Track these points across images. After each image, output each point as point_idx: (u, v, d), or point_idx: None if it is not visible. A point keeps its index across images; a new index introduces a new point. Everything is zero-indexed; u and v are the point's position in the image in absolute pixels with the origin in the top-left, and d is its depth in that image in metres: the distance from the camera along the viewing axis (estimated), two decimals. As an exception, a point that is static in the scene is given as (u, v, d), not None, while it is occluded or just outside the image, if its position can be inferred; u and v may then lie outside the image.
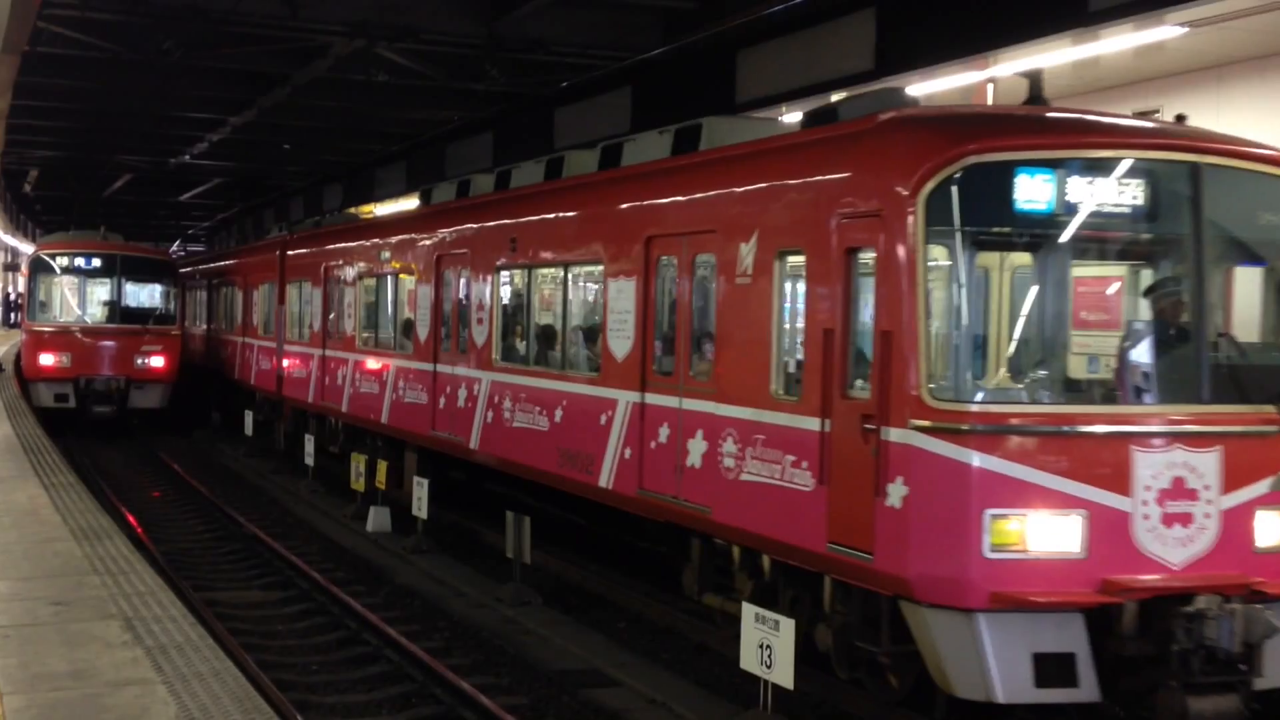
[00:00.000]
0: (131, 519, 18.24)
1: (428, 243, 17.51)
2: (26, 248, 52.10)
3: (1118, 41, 13.60)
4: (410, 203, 30.09)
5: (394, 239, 18.94)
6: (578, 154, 14.72)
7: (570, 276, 14.03)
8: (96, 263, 29.27)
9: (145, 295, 30.06)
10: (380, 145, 33.57)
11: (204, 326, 34.72)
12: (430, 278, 17.06)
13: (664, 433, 11.39)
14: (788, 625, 9.07)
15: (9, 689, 7.41)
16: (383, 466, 18.20)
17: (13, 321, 51.78)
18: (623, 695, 10.82)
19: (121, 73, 23.45)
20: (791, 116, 15.92)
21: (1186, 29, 13.17)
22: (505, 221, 15.26)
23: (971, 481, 8.25)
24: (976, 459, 8.25)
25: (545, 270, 14.69)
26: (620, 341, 12.20)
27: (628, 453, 11.95)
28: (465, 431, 15.64)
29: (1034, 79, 10.44)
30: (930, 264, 8.51)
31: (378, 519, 18.23)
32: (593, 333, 13.49)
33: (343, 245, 21.58)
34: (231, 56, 21.85)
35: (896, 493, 8.50)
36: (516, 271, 15.09)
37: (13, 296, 53.70)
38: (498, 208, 15.74)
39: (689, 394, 11.10)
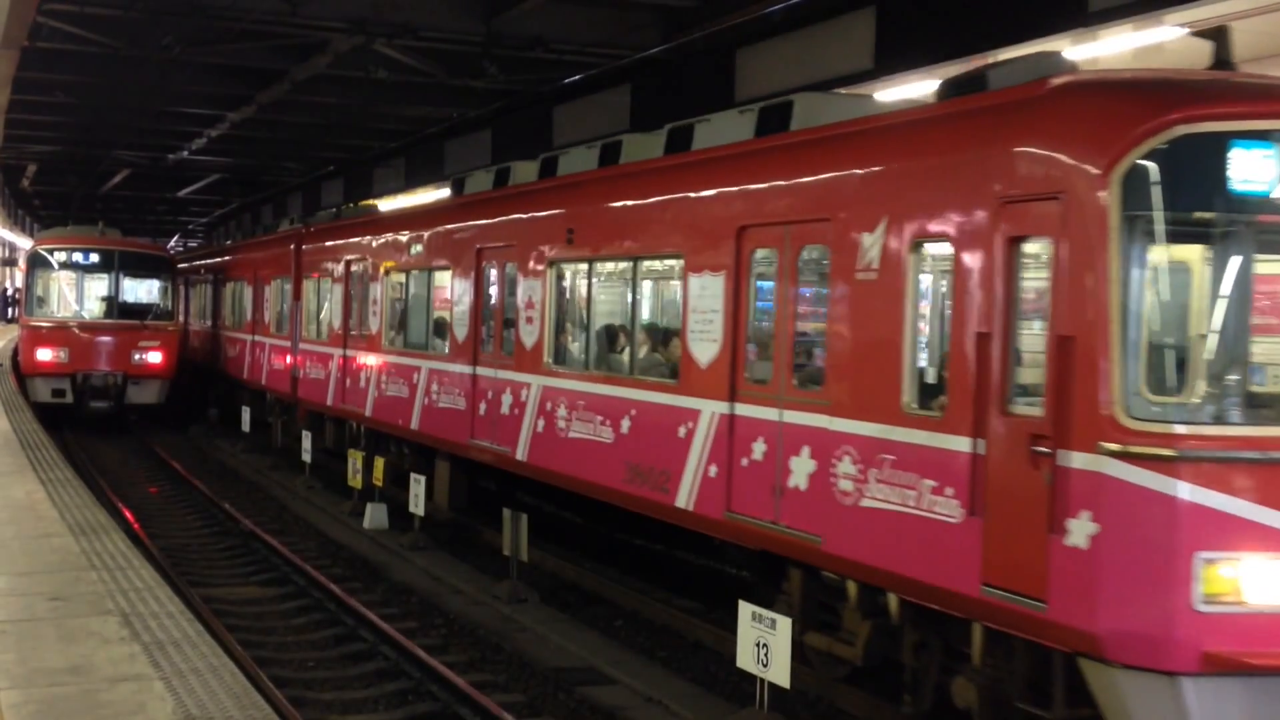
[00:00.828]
0: (129, 515, 18.24)
1: (466, 235, 16.09)
2: (24, 243, 52.03)
3: (1117, 42, 13.61)
4: (423, 196, 29.17)
5: (426, 231, 17.51)
6: (637, 138, 13.53)
7: (640, 271, 12.67)
8: (94, 258, 29.25)
9: (143, 291, 30.02)
10: (379, 142, 33.58)
11: (207, 323, 33.72)
12: (469, 273, 15.74)
13: (759, 449, 10.08)
14: (784, 624, 9.06)
15: (6, 684, 7.41)
16: (379, 463, 18.20)
17: (10, 316, 51.74)
18: (619, 693, 10.82)
19: (120, 68, 23.45)
20: (885, 94, 15.09)
21: (1186, 30, 13.17)
22: (559, 211, 13.78)
23: (1179, 519, 6.96)
24: (1185, 491, 6.97)
25: (610, 265, 13.22)
26: (704, 345, 10.85)
27: (713, 470, 10.66)
28: (510, 441, 14.36)
29: (1220, 38, 8.75)
30: (1127, 255, 7.16)
31: (375, 516, 18.23)
32: (668, 335, 12.50)
33: (366, 238, 19.99)
34: (231, 52, 21.85)
35: (1081, 530, 7.21)
36: (574, 266, 13.66)
37: (10, 292, 53.66)
38: (550, 196, 14.19)
39: (791, 405, 9.79)
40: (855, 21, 16.75)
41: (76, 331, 28.44)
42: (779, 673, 9.08)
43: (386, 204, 28.33)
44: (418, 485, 16.24)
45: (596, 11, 19.26)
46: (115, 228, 32.60)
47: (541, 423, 13.69)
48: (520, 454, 14.17)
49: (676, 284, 11.91)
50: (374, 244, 19.43)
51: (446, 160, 30.66)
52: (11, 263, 52.74)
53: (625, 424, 12.06)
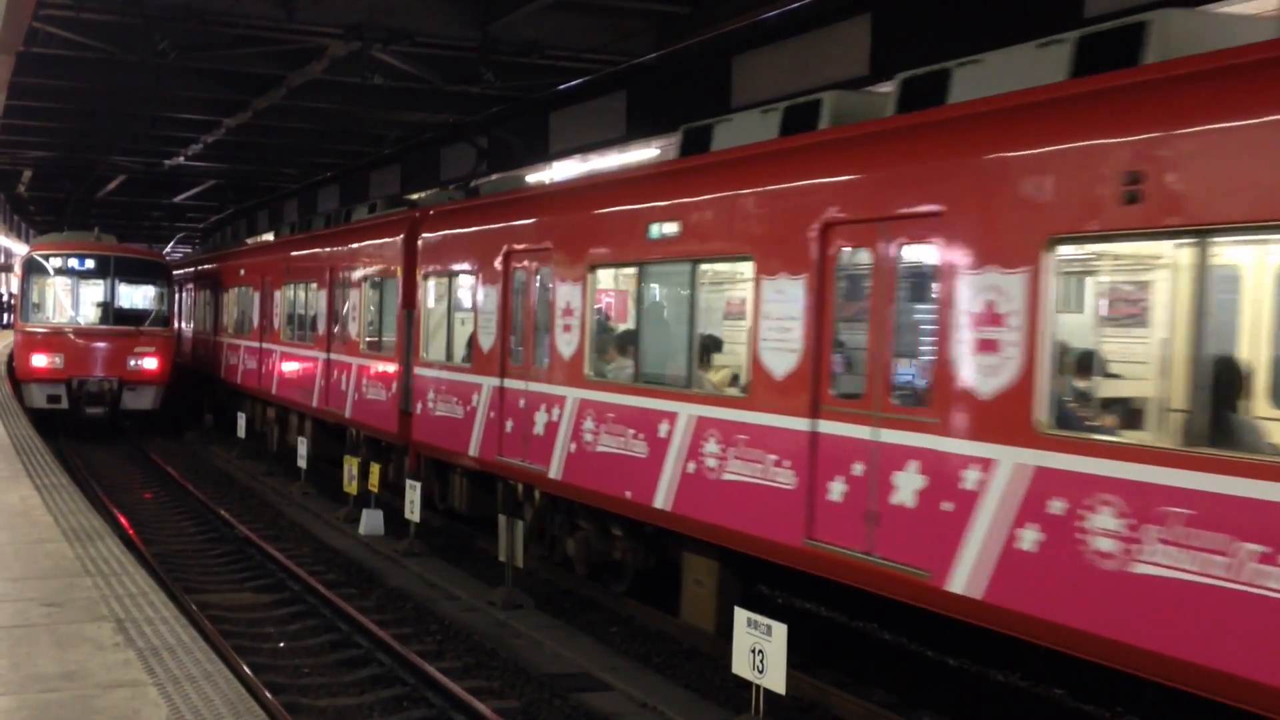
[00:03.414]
0: (124, 520, 18.22)
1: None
2: (20, 248, 52.01)
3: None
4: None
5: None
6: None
7: (699, 275, 11.69)
8: (90, 264, 29.23)
9: (138, 297, 30.01)
10: (374, 148, 33.58)
11: (223, 334, 30.35)
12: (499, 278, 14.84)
13: (855, 471, 9.30)
14: (780, 630, 9.06)
15: (0, 690, 7.39)
16: (375, 469, 18.18)
17: (5, 322, 51.69)
18: (614, 699, 10.81)
19: (116, 74, 23.44)
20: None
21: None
22: (608, 211, 12.94)
23: None
24: None
25: (663, 269, 12.32)
26: (779, 355, 10.11)
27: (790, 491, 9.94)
28: (541, 458, 13.73)
29: None
30: None
31: (370, 522, 18.21)
32: (726, 343, 11.90)
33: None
34: (226, 58, 21.85)
35: None
36: (620, 271, 13.00)
37: (5, 297, 53.61)
38: (604, 194, 13.29)
39: (889, 423, 9.03)
40: (851, 28, 16.77)
41: (72, 337, 28.42)
42: (774, 679, 9.07)
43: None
44: (413, 492, 16.22)
45: (592, 18, 19.27)
46: (111, 233, 32.63)
47: (580, 437, 12.99)
48: (554, 472, 13.49)
49: (747, 287, 10.72)
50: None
51: (442, 166, 30.68)
52: (7, 269, 52.64)
53: (678, 441, 11.40)
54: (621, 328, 13.48)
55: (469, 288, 16.14)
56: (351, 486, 18.70)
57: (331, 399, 21.40)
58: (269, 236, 33.22)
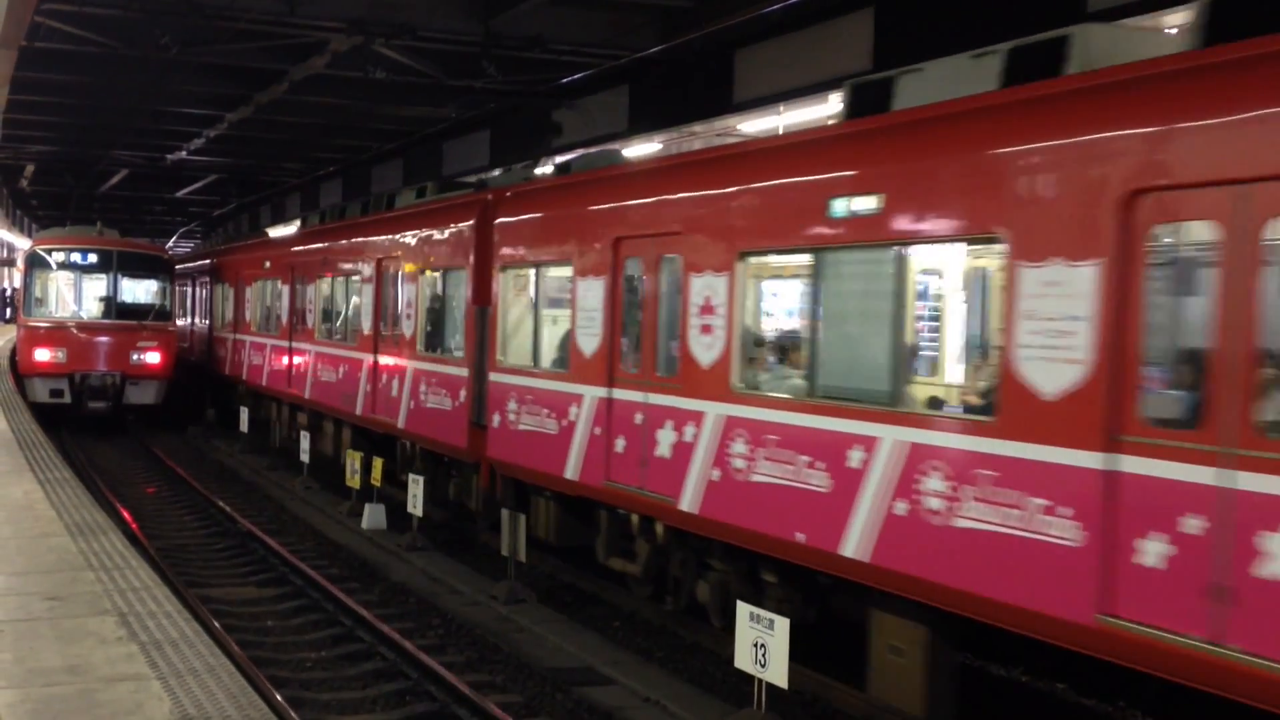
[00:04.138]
0: (126, 515, 18.24)
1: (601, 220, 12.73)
2: (23, 243, 52.02)
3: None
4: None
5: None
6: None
7: (908, 262, 9.13)
8: (92, 258, 29.24)
9: (141, 291, 30.02)
10: (377, 143, 33.57)
11: (245, 332, 28.09)
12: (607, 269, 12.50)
13: (1190, 527, 6.85)
14: (782, 624, 9.06)
15: (3, 684, 7.40)
16: (378, 464, 18.19)
17: (8, 317, 51.72)
18: (617, 693, 10.82)
19: (118, 68, 23.44)
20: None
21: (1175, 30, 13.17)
22: (768, 185, 10.45)
23: None
24: None
25: (851, 255, 9.68)
26: (1051, 368, 7.73)
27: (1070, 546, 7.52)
28: (667, 485, 11.36)
29: None
30: None
31: (373, 516, 18.22)
32: (975, 350, 9.97)
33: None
34: (228, 52, 21.82)
35: None
36: (783, 258, 11.00)
37: (8, 292, 53.64)
38: (763, 163, 10.75)
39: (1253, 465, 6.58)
40: (854, 22, 16.76)
41: (75, 332, 28.43)
42: (777, 673, 9.08)
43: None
44: (415, 486, 16.23)
45: (594, 12, 19.26)
46: (113, 228, 32.61)
47: (725, 463, 10.68)
48: (687, 504, 11.08)
49: (998, 280, 8.57)
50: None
51: (445, 161, 30.67)
52: (10, 263, 52.68)
53: (878, 473, 9.02)
54: (785, 329, 11.45)
55: (563, 280, 13.58)
56: (354, 481, 18.70)
57: (379, 406, 18.59)
58: (292, 227, 30.05)
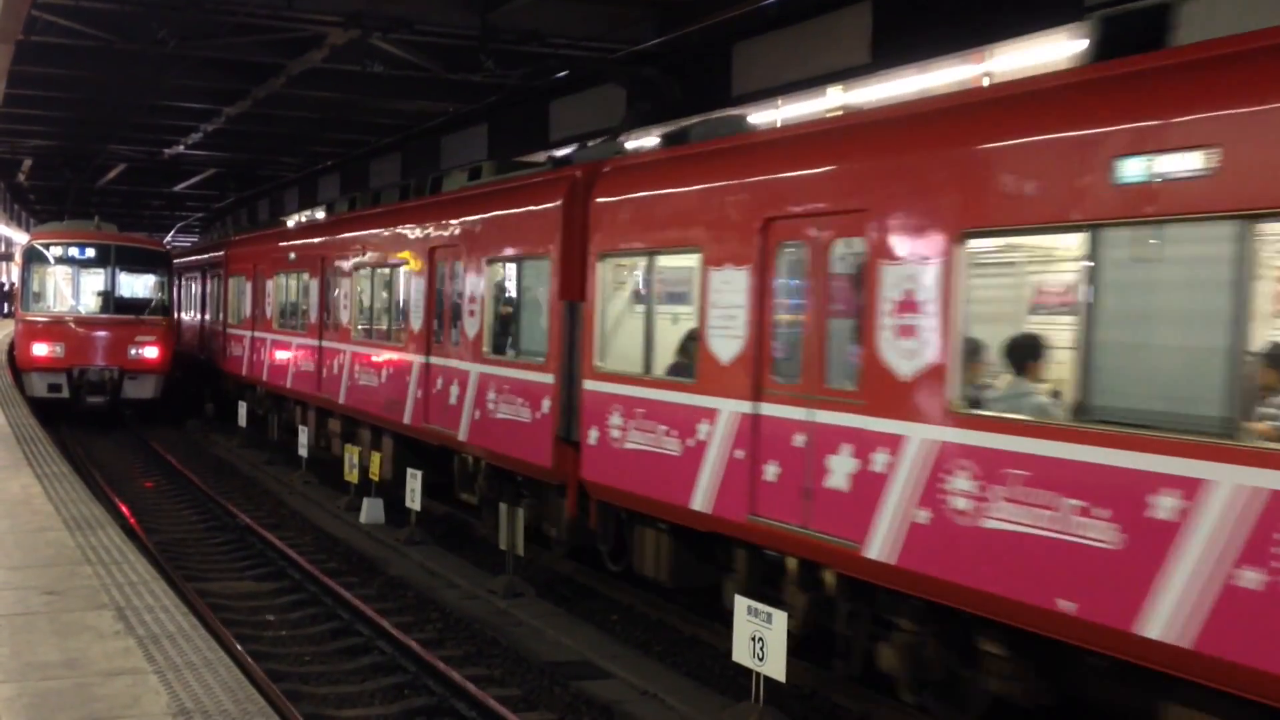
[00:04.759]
0: (124, 509, 18.23)
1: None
2: (20, 237, 52.01)
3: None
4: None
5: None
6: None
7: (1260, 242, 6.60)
8: (90, 253, 29.22)
9: (139, 286, 30.00)
10: (375, 137, 33.55)
11: (264, 329, 25.54)
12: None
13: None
14: (780, 618, 9.06)
15: (1, 678, 7.40)
16: (376, 458, 18.18)
17: (6, 311, 51.70)
18: (615, 687, 10.83)
19: (115, 62, 23.42)
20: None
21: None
22: (1008, 144, 8.08)
23: None
24: None
25: (1146, 232, 7.25)
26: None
27: None
28: (844, 526, 9.09)
29: None
30: None
31: (371, 511, 18.22)
32: None
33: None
34: (226, 46, 21.82)
35: None
36: (1031, 239, 8.48)
37: (6, 286, 53.62)
38: (997, 115, 8.40)
39: None
40: (852, 15, 16.75)
41: (73, 326, 28.42)
42: (775, 667, 9.08)
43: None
44: (414, 480, 16.22)
45: (592, 6, 19.24)
46: (111, 223, 32.59)
47: (935, 506, 8.46)
48: (877, 551, 8.84)
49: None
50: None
51: (443, 154, 30.66)
52: (7, 257, 52.64)
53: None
54: (1033, 329, 8.82)
55: (687, 271, 11.40)
56: (352, 475, 18.70)
57: (433, 415, 16.25)
58: (316, 215, 28.13)
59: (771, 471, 9.89)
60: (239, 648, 11.14)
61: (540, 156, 18.68)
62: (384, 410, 18.08)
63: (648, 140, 17.59)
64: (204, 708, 6.98)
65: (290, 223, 30.95)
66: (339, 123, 31.63)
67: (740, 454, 10.20)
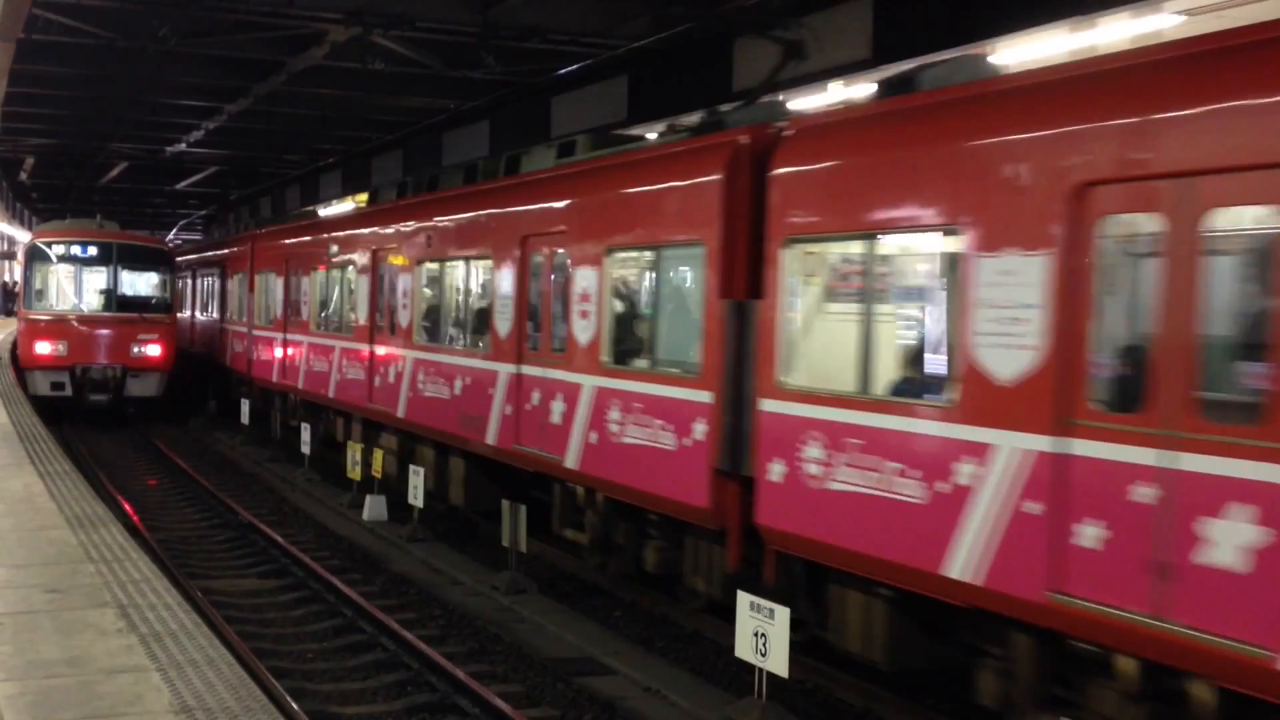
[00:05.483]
0: (128, 507, 18.24)
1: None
2: (23, 236, 52.04)
3: (1115, 30, 13.58)
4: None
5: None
6: None
7: None
8: (93, 251, 29.23)
9: (142, 284, 30.03)
10: (376, 134, 33.55)
11: (297, 331, 23.21)
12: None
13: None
14: (782, 613, 9.05)
15: (3, 676, 7.40)
16: (379, 455, 18.18)
17: (9, 310, 51.73)
18: (618, 683, 10.83)
19: (117, 60, 23.42)
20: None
21: (1184, 17, 13.14)
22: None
23: None
24: None
25: None
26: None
27: None
28: (1255, 627, 6.42)
29: None
30: None
31: (374, 507, 18.22)
32: None
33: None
34: (226, 44, 21.82)
35: None
36: None
37: (9, 285, 53.66)
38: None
39: None
40: (852, 10, 16.72)
41: (75, 325, 28.44)
42: (777, 662, 9.08)
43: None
44: (416, 477, 16.22)
45: (593, 1, 19.22)
46: (113, 221, 32.60)
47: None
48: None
49: None
50: None
51: (445, 151, 30.66)
52: (10, 256, 52.69)
53: None
54: None
55: (934, 259, 9.53)
56: (355, 472, 18.70)
57: (527, 435, 13.79)
58: (345, 206, 25.45)
59: (1092, 535, 7.27)
60: (242, 644, 11.14)
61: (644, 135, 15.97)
62: (458, 427, 15.57)
63: (827, 96, 15.02)
64: (206, 705, 6.98)
65: (324, 213, 28.87)
66: (340, 120, 31.64)
67: (1033, 508, 7.63)
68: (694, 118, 13.64)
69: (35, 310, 28.84)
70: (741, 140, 10.64)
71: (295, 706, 9.64)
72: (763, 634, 9.16)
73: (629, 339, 12.45)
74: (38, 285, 29.14)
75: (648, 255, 12.06)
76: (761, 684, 9.38)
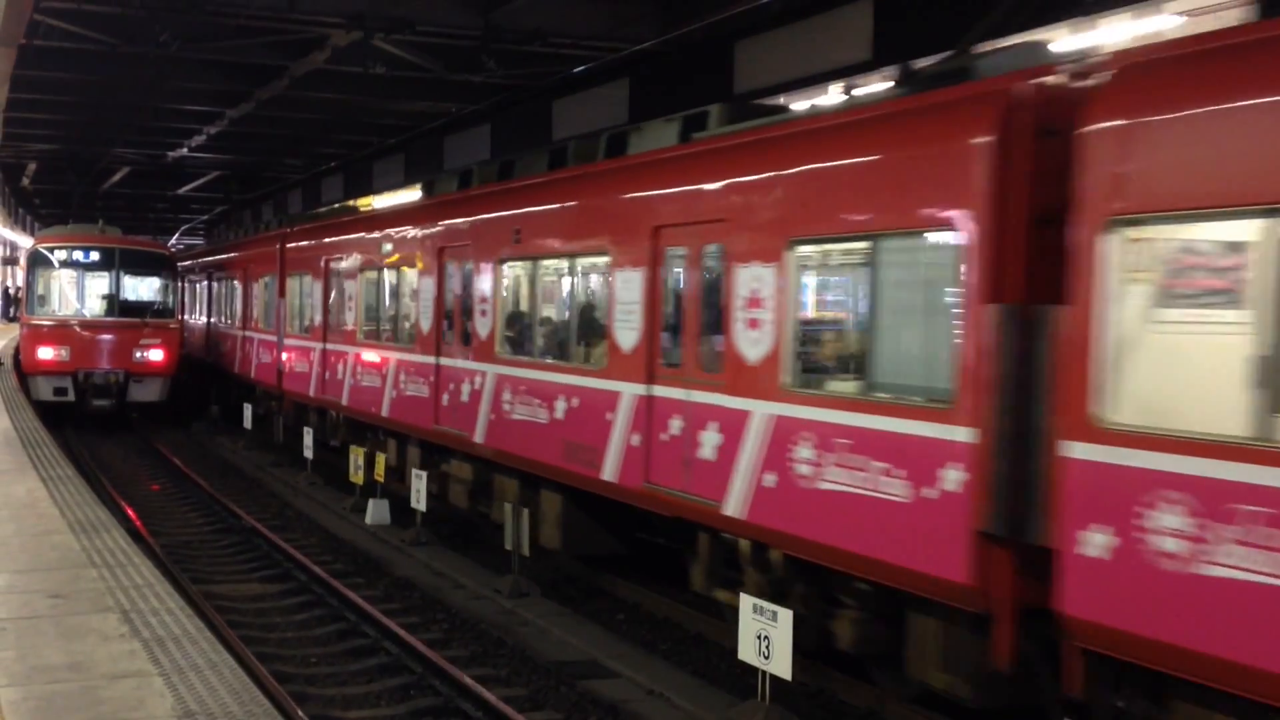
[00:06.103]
0: (130, 512, 18.24)
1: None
2: (25, 241, 52.09)
3: (1116, 31, 13.59)
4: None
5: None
6: None
7: None
8: (95, 256, 29.25)
9: (144, 289, 30.04)
10: (378, 138, 33.57)
11: (340, 341, 20.53)
12: None
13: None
14: (785, 616, 9.05)
15: (5, 682, 7.40)
16: (381, 459, 18.18)
17: (11, 315, 51.77)
18: (621, 686, 10.82)
19: (118, 66, 23.45)
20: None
21: (1184, 18, 13.15)
22: None
23: None
24: None
25: None
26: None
27: None
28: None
29: None
30: None
31: (377, 512, 18.21)
32: None
33: None
34: (228, 49, 21.86)
35: None
36: None
37: (11, 290, 53.71)
38: None
39: None
40: (853, 12, 16.73)
41: (78, 330, 28.45)
42: (780, 665, 9.07)
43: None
44: (419, 481, 16.21)
45: (594, 5, 19.24)
46: (115, 226, 32.63)
47: None
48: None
49: None
50: None
51: (446, 155, 30.67)
52: (12, 261, 52.75)
53: None
54: None
55: None
56: (357, 477, 18.70)
57: (661, 472, 11.26)
58: (408, 194, 22.26)
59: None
60: (244, 649, 11.14)
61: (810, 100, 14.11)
62: (559, 458, 13.10)
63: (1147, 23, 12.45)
64: (209, 710, 6.98)
65: (377, 204, 26.11)
66: (342, 124, 31.68)
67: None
68: (926, 63, 11.20)
69: (38, 315, 28.86)
70: (1015, 92, 7.91)
71: (299, 711, 9.63)
72: (766, 637, 9.15)
73: (822, 354, 10.11)
74: (40, 290, 29.16)
75: (858, 246, 9.19)
76: (765, 686, 9.37)
